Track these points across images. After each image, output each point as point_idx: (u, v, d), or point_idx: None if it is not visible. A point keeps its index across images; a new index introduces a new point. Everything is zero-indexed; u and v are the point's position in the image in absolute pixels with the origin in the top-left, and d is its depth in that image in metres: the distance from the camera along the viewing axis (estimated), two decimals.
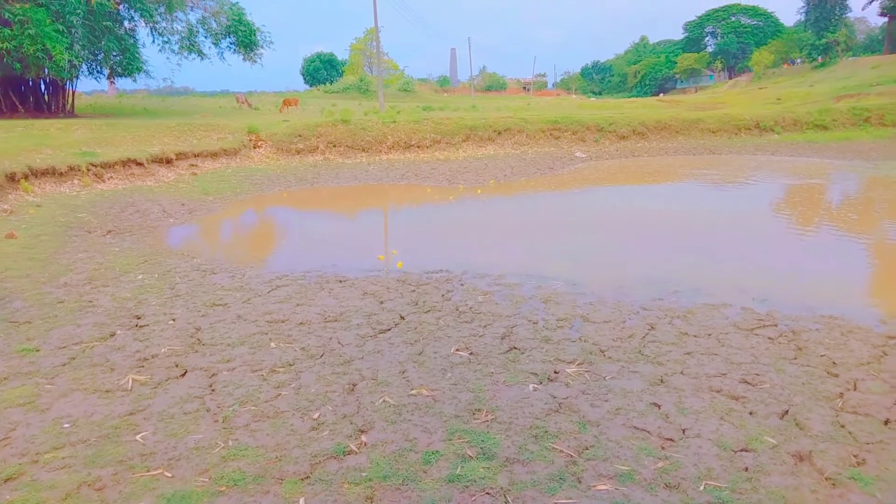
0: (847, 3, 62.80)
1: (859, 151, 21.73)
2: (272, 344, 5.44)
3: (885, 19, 62.75)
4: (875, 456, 3.59)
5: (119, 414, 4.17)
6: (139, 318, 6.16)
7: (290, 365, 4.99)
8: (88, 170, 14.79)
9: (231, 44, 29.33)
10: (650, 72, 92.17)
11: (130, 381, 4.66)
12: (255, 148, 20.92)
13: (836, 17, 62.09)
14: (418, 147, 22.98)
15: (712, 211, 12.92)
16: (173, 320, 6.10)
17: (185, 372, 4.88)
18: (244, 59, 29.95)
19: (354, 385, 4.63)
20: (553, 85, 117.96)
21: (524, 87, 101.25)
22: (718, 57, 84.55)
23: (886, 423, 3.97)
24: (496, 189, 15.56)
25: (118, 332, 5.76)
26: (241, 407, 4.26)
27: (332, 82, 65.90)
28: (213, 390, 4.54)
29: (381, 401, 4.35)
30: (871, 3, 61.91)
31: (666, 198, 14.91)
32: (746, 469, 3.48)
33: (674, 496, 3.25)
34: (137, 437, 3.88)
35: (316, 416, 4.14)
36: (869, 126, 26.59)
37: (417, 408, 4.25)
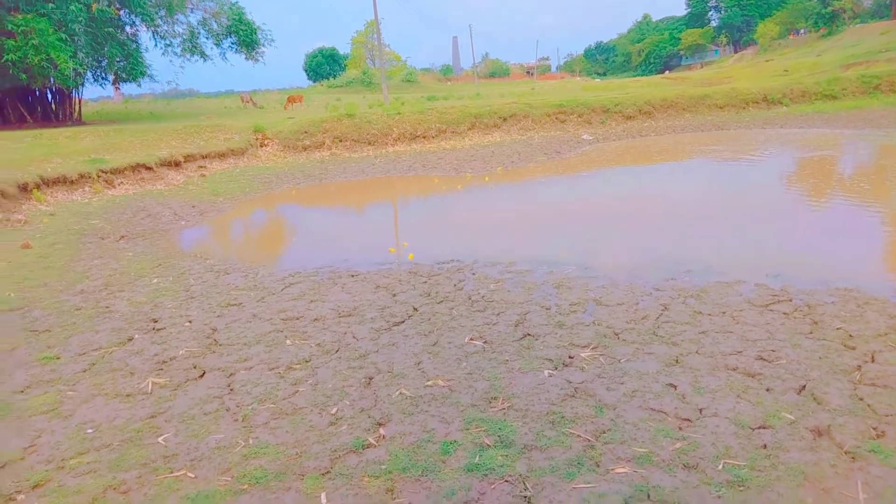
0: None
1: (870, 120, 21.43)
2: (288, 341, 5.48)
3: None
4: (894, 428, 3.58)
5: (140, 417, 4.24)
6: (156, 322, 6.23)
7: (307, 361, 5.04)
8: (99, 176, 14.92)
9: (233, 43, 29.41)
10: (654, 50, 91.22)
11: (150, 385, 4.72)
12: (261, 146, 20.99)
13: None
14: (424, 137, 22.94)
15: (722, 188, 12.82)
16: (189, 322, 6.16)
17: (204, 373, 4.94)
18: (246, 58, 30.03)
19: (371, 378, 4.66)
20: (557, 68, 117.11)
21: (528, 72, 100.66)
22: (723, 31, 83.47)
23: None
24: (504, 176, 15.52)
25: (136, 336, 5.83)
26: (259, 405, 4.31)
27: (335, 77, 65.77)
28: (231, 390, 4.60)
29: (397, 393, 4.38)
30: None
31: (674, 177, 14.81)
32: (765, 446, 3.48)
33: (692, 476, 3.26)
34: (159, 439, 3.94)
35: (334, 411, 4.19)
36: (879, 94, 26.19)
37: (434, 398, 4.28)
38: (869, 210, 9.88)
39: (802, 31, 64.68)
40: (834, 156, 15.98)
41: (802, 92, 27.15)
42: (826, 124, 21.64)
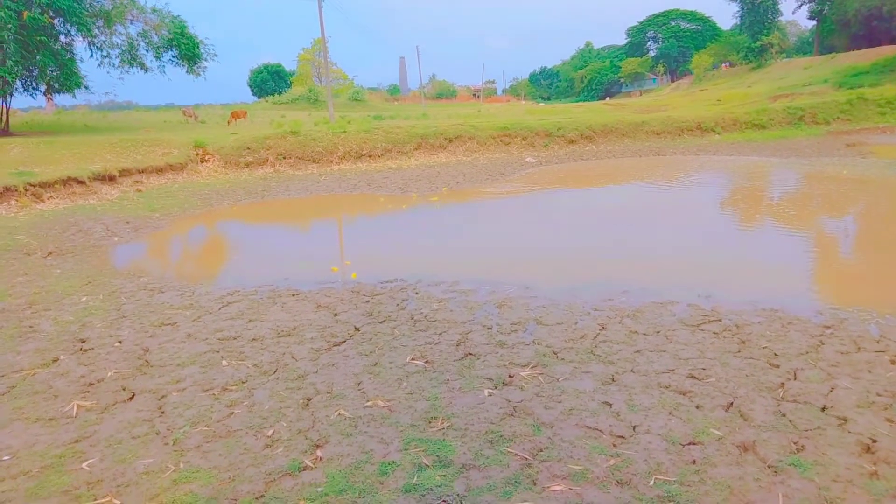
0: (779, 7, 65.58)
1: (795, 149, 22.66)
2: (224, 362, 5.34)
3: (815, 22, 65.84)
4: (813, 442, 3.76)
5: (64, 442, 4.03)
6: (84, 342, 5.97)
7: (243, 382, 4.92)
8: (26, 190, 14.25)
9: (174, 57, 28.74)
10: (596, 77, 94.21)
11: (75, 408, 4.51)
12: (202, 162, 20.52)
13: (769, 21, 64.73)
14: (370, 156, 22.92)
15: (658, 211, 13.28)
16: (120, 342, 5.93)
17: (133, 395, 4.75)
18: (187, 71, 29.38)
19: (309, 400, 4.59)
20: (502, 91, 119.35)
21: (474, 94, 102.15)
22: (660, 61, 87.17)
23: (823, 409, 4.16)
24: (449, 196, 15.64)
25: (61, 357, 5.57)
26: (192, 428, 4.17)
27: (280, 93, 65.12)
28: (162, 412, 4.44)
29: (336, 414, 4.33)
30: (799, 7, 64.94)
31: (614, 199, 15.26)
32: (694, 462, 3.60)
33: (625, 492, 3.34)
34: (84, 465, 3.76)
35: (270, 433, 4.09)
36: (803, 124, 27.79)
37: (373, 419, 4.24)
38: (794, 234, 10.42)
39: (727, 64, 68.23)
40: (762, 182, 16.80)
41: (734, 121, 28.50)
42: (755, 152, 22.75)
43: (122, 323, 6.52)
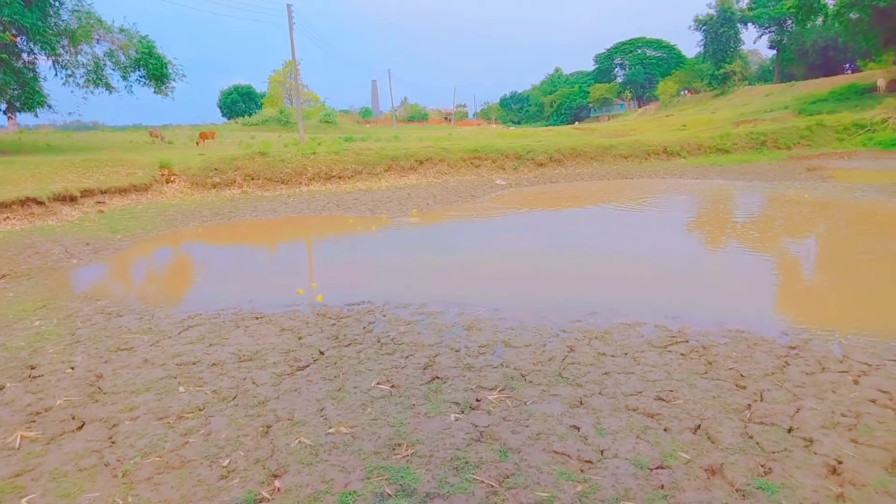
0: (741, 36, 67.73)
1: (758, 173, 23.18)
2: (181, 388, 5.14)
3: (775, 52, 68.15)
4: (780, 464, 3.73)
5: (3, 476, 3.80)
6: (33, 369, 5.71)
7: (200, 410, 4.73)
8: None
9: (141, 77, 28.35)
10: (565, 101, 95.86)
11: (18, 439, 4.27)
12: (167, 183, 20.16)
13: (732, 50, 66.77)
14: (339, 178, 22.79)
15: (626, 233, 13.39)
16: (72, 368, 5.68)
17: (83, 424, 4.53)
18: (155, 91, 28.98)
19: (269, 427, 4.42)
20: (473, 115, 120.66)
21: (446, 118, 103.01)
22: (628, 87, 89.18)
23: (790, 430, 4.14)
24: (420, 217, 15.57)
25: (7, 385, 5.31)
26: (143, 459, 3.98)
27: (250, 115, 64.77)
28: (113, 443, 4.23)
29: (296, 442, 4.17)
30: (760, 37, 67.23)
31: (583, 222, 15.36)
32: (662, 486, 3.53)
33: None
34: (23, 500, 3.54)
35: (226, 463, 3.92)
36: (765, 149, 28.50)
37: (335, 447, 4.10)
38: (759, 256, 10.57)
39: (684, 92, 70.24)
40: (727, 205, 17.10)
41: (698, 145, 29.09)
42: (720, 175, 23.21)
43: (76, 348, 6.27)
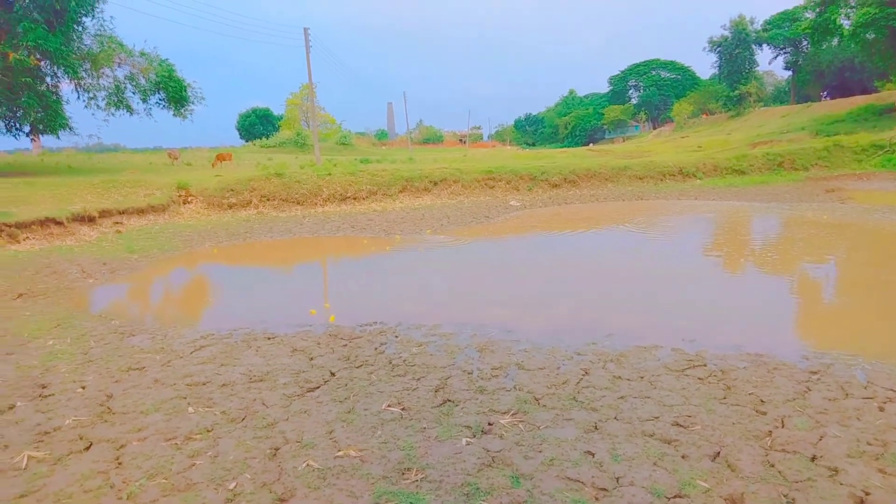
0: (756, 57, 67.66)
1: (775, 194, 22.95)
2: (190, 409, 5.09)
3: (790, 73, 67.93)
4: (804, 494, 3.58)
5: (7, 497, 3.76)
6: (44, 388, 5.69)
7: (208, 431, 4.67)
8: (1, 230, 13.97)
9: (161, 100, 28.82)
10: (579, 123, 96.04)
11: (25, 459, 4.23)
12: (184, 203, 20.36)
13: (747, 71, 66.69)
14: (354, 199, 22.89)
15: (641, 254, 13.25)
16: (83, 388, 5.66)
17: (91, 444, 4.49)
18: (174, 114, 29.45)
19: (277, 449, 4.35)
20: (488, 137, 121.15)
21: (461, 140, 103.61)
22: (642, 108, 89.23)
23: (813, 459, 4.00)
24: (434, 238, 15.54)
25: (18, 403, 5.29)
26: (149, 481, 3.92)
27: (268, 137, 65.50)
28: (119, 464, 4.18)
29: (304, 465, 4.09)
30: (775, 58, 67.06)
31: (598, 243, 15.24)
32: None
33: None
34: None
35: (232, 486, 3.85)
36: (782, 170, 28.26)
37: (343, 470, 4.02)
38: (777, 279, 10.39)
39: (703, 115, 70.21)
40: (744, 226, 16.91)
41: (714, 166, 28.92)
42: (736, 197, 23.00)
43: (88, 367, 6.26)
